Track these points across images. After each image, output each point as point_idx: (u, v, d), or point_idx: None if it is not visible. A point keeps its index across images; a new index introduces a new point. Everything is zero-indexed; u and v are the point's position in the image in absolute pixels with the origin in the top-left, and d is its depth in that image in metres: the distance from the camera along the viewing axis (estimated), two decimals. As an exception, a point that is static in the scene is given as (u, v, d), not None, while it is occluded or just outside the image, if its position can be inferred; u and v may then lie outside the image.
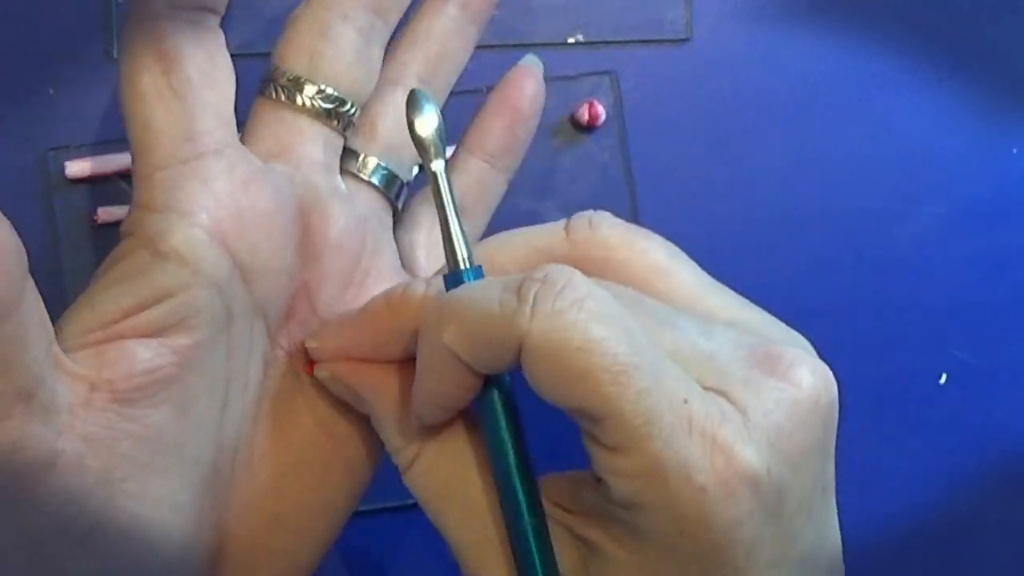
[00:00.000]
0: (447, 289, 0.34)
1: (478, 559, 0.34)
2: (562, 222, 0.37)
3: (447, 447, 0.35)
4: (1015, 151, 0.51)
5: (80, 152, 0.47)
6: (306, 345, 0.37)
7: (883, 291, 0.50)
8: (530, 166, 0.49)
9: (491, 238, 0.39)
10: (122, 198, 0.48)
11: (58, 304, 0.47)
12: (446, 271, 0.34)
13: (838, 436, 0.35)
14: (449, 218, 0.34)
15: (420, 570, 0.49)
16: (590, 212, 0.37)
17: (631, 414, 0.29)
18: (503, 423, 0.33)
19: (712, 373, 0.32)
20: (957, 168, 0.50)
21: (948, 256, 0.50)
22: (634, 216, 0.49)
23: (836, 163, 0.50)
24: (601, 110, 0.49)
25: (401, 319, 0.34)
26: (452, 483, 0.35)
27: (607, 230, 0.36)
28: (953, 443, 0.50)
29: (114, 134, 0.48)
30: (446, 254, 0.34)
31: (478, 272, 0.34)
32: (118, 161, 0.47)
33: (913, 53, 0.51)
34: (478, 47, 0.49)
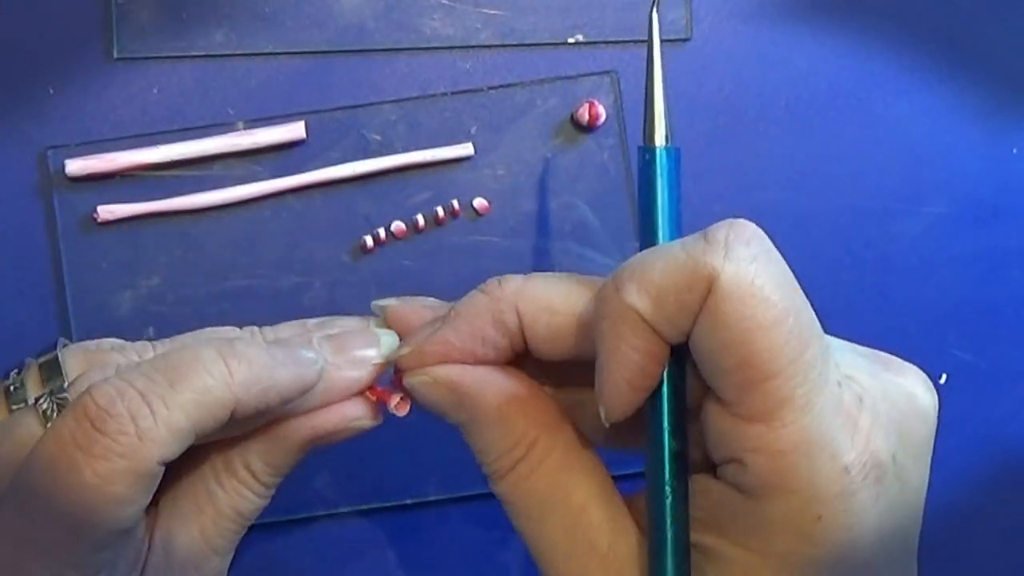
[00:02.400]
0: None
1: (580, 569, 0.33)
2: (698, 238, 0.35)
3: (552, 452, 0.34)
4: (1015, 151, 0.51)
5: (80, 151, 0.47)
6: (398, 355, 0.36)
7: (883, 291, 0.50)
8: (530, 166, 0.49)
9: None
10: (122, 196, 0.48)
11: (58, 303, 0.47)
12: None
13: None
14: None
15: (420, 570, 0.49)
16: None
17: (800, 378, 0.30)
18: (669, 397, 0.33)
19: (841, 363, 0.33)
20: (957, 168, 0.50)
21: (948, 256, 0.50)
22: (634, 216, 0.49)
23: (836, 163, 0.50)
24: (601, 110, 0.49)
25: (499, 308, 0.34)
26: (555, 490, 0.34)
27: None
28: (953, 443, 0.50)
29: (114, 133, 0.48)
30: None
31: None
32: (118, 160, 0.47)
33: (913, 53, 0.51)
34: (478, 47, 0.49)
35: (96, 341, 0.41)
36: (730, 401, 0.31)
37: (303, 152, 0.48)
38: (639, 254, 0.32)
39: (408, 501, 0.48)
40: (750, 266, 0.30)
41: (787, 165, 0.50)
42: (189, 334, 0.41)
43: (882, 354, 0.34)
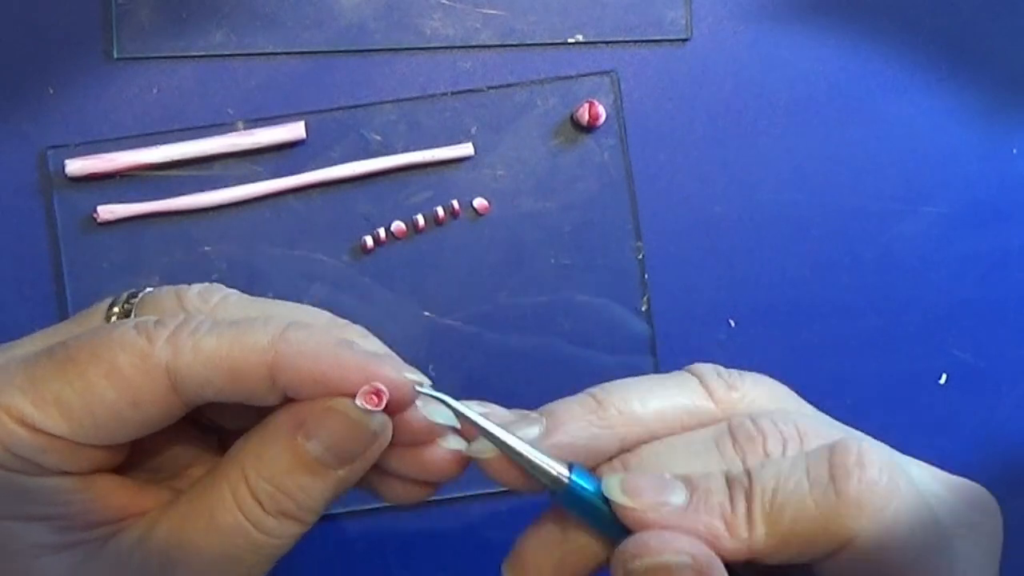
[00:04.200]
0: (566, 504, 0.32)
1: None
2: (690, 378, 0.34)
3: None
4: (1015, 151, 0.51)
5: (80, 151, 0.47)
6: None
7: (883, 291, 0.50)
8: (530, 166, 0.49)
9: (615, 388, 0.34)
10: (122, 196, 0.48)
11: (58, 303, 0.47)
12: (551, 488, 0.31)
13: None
14: (514, 445, 0.31)
15: (420, 570, 0.49)
16: (714, 368, 0.35)
17: (935, 556, 0.30)
18: None
19: (953, 515, 0.33)
20: (957, 168, 0.50)
21: (948, 256, 0.50)
22: (634, 216, 0.49)
23: (836, 163, 0.50)
24: (601, 110, 0.49)
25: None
26: None
27: (751, 389, 0.35)
28: (953, 443, 0.50)
29: (113, 133, 0.48)
30: (536, 476, 0.31)
31: (583, 474, 0.31)
32: (118, 160, 0.47)
33: (913, 53, 0.51)
34: (478, 47, 0.49)
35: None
36: None
37: (303, 152, 0.48)
38: (761, 478, 0.31)
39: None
40: (888, 519, 0.30)
41: (787, 165, 0.50)
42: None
43: (960, 486, 0.34)
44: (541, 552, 0.33)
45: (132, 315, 0.35)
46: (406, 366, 0.32)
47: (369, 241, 0.48)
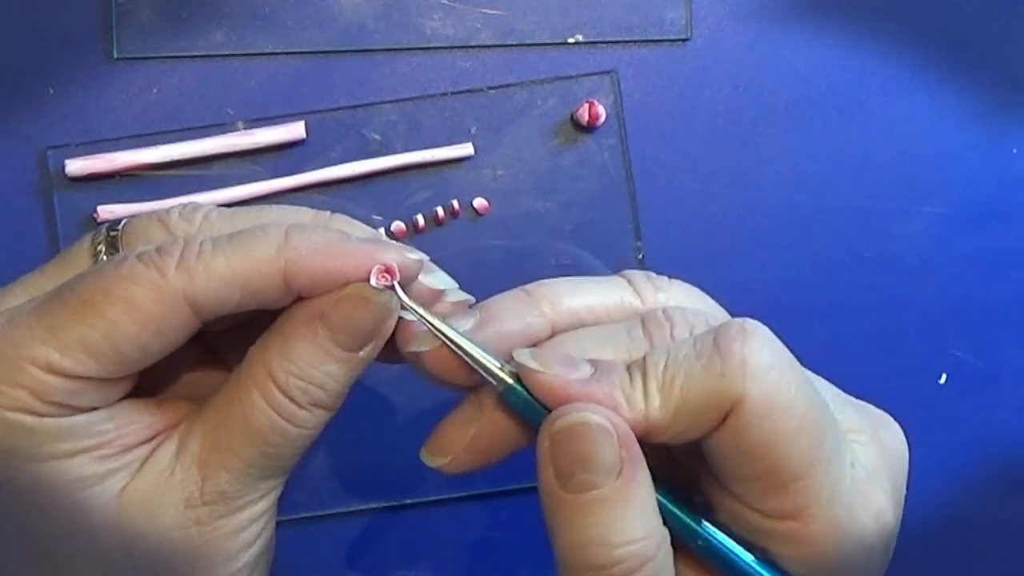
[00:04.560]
0: (510, 403, 0.33)
1: None
2: (620, 280, 0.36)
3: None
4: (1015, 151, 0.51)
5: (80, 151, 0.47)
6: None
7: (883, 291, 0.50)
8: (530, 166, 0.49)
9: (547, 284, 0.36)
10: (122, 196, 0.48)
11: (58, 303, 0.47)
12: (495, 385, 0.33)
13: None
14: (461, 343, 0.33)
15: (420, 570, 0.49)
16: (644, 273, 0.36)
17: (823, 473, 0.31)
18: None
19: (849, 421, 0.34)
20: (957, 168, 0.50)
21: (948, 256, 0.50)
22: (634, 216, 0.49)
23: (836, 163, 0.50)
24: (601, 110, 0.49)
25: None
26: None
27: (677, 292, 0.36)
28: (953, 443, 0.50)
29: (113, 133, 0.48)
30: (480, 374, 0.33)
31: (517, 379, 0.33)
32: (118, 160, 0.47)
33: (913, 53, 0.51)
34: (478, 47, 0.49)
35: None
36: (753, 502, 0.32)
37: (303, 152, 0.48)
38: (654, 355, 0.32)
39: (408, 501, 0.48)
40: (772, 382, 0.30)
41: (787, 165, 0.50)
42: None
43: (865, 405, 0.36)
44: (455, 429, 0.34)
45: (119, 247, 0.36)
46: (404, 246, 0.34)
47: (369, 241, 0.48)
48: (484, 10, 0.49)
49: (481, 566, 0.49)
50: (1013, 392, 0.50)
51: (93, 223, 0.47)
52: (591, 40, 0.50)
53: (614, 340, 0.33)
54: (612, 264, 0.49)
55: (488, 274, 0.49)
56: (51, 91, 0.48)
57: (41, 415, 0.31)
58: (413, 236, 0.49)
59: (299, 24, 0.49)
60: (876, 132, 0.50)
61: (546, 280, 0.36)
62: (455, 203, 0.49)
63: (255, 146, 0.48)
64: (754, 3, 0.50)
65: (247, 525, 0.34)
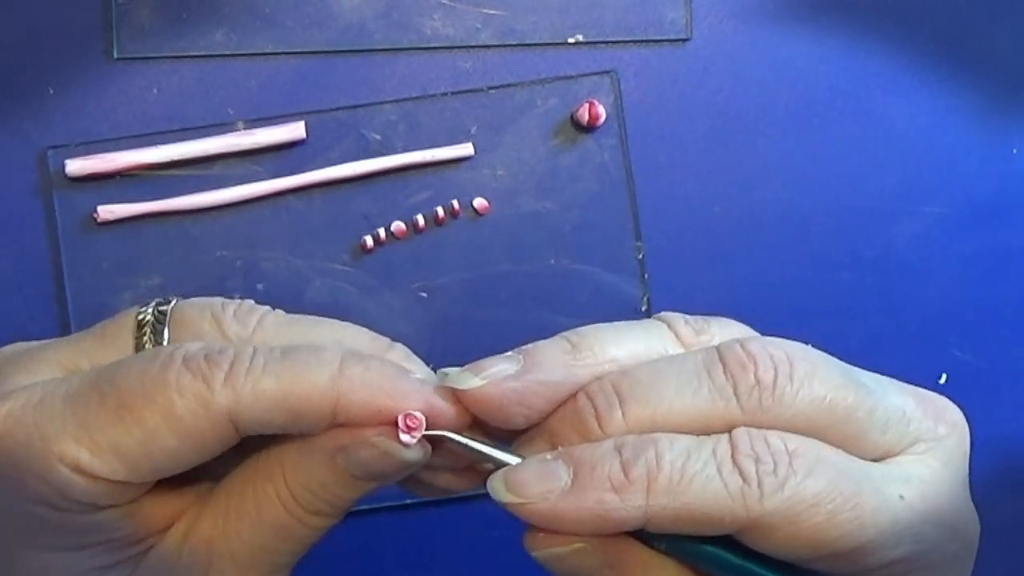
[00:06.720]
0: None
1: None
2: (659, 324, 0.35)
3: None
4: (1015, 151, 0.51)
5: (80, 151, 0.47)
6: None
7: (883, 291, 0.50)
8: (530, 166, 0.49)
9: (588, 331, 0.35)
10: (122, 196, 0.48)
11: (58, 303, 0.47)
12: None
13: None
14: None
15: (420, 570, 0.49)
16: (681, 316, 0.35)
17: (874, 536, 0.30)
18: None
19: (912, 430, 0.33)
20: (957, 168, 0.50)
21: (948, 256, 0.50)
22: (634, 216, 0.49)
23: (836, 163, 0.50)
24: (601, 110, 0.49)
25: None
26: None
27: (718, 332, 0.35)
28: (953, 443, 0.50)
29: (113, 133, 0.48)
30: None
31: None
32: (118, 160, 0.47)
33: (913, 53, 0.51)
34: (478, 47, 0.49)
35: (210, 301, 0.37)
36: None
37: (303, 152, 0.48)
38: (664, 452, 0.31)
39: (408, 501, 0.48)
40: (783, 495, 0.30)
41: (787, 165, 0.50)
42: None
43: (928, 396, 0.35)
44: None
45: (165, 332, 0.35)
46: (467, 388, 0.33)
47: (369, 241, 0.48)
48: (484, 10, 0.49)
49: (481, 566, 0.49)
50: (1013, 392, 0.50)
51: (93, 223, 0.47)
52: (591, 40, 0.50)
53: (696, 384, 0.32)
54: (612, 264, 0.49)
55: (488, 274, 0.49)
56: (51, 91, 0.48)
57: (61, 510, 0.30)
58: (413, 236, 0.49)
59: (299, 24, 0.49)
60: (876, 132, 0.50)
61: (585, 328, 0.34)
62: (455, 203, 0.49)
63: (255, 146, 0.48)
64: (754, 3, 0.50)
65: None
